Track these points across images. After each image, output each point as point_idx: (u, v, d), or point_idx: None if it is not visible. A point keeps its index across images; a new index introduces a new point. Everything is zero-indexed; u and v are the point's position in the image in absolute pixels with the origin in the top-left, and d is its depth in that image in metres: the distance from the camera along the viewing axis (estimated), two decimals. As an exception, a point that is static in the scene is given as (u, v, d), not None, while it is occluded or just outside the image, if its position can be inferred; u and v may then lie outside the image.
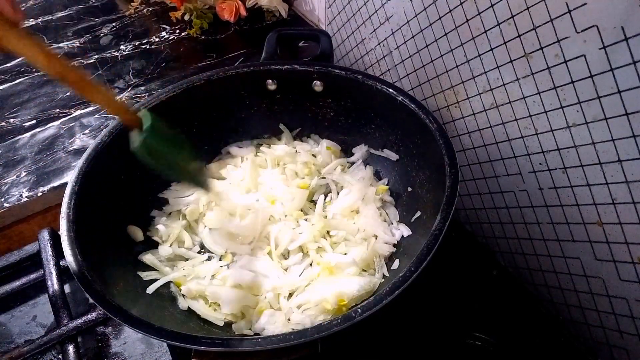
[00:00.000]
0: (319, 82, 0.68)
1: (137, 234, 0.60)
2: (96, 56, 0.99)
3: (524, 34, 0.49)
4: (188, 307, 0.55)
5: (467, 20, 0.56)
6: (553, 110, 0.50)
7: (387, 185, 0.68)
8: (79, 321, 0.55)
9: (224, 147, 0.74)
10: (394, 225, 0.63)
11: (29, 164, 0.75)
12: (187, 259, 0.61)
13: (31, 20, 1.11)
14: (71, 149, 0.78)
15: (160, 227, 0.62)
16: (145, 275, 0.56)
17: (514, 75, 0.53)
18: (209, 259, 0.61)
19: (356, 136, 0.72)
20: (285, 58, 0.74)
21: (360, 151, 0.71)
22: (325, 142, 0.71)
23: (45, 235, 0.62)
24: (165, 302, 0.55)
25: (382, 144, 0.69)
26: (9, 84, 0.92)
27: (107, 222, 0.57)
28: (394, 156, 0.68)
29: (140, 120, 0.47)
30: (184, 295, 0.56)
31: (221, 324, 0.54)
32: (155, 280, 0.56)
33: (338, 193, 0.67)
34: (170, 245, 0.61)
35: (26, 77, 0.94)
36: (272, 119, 0.74)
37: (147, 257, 0.58)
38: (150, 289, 0.55)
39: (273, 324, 0.52)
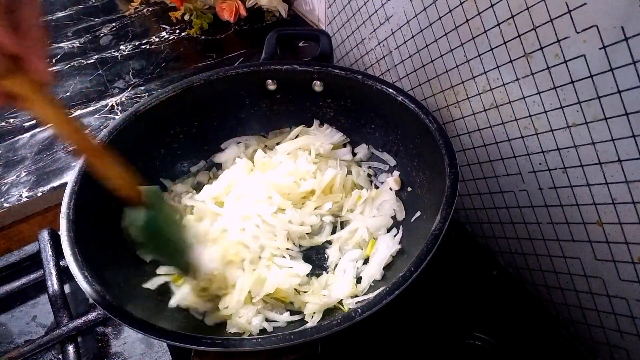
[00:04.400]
0: (319, 82, 0.68)
1: None
2: (96, 56, 0.99)
3: (524, 34, 0.49)
4: (186, 306, 0.55)
5: (467, 20, 0.56)
6: (553, 110, 0.50)
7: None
8: (79, 321, 0.55)
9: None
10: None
11: (29, 164, 0.75)
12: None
13: (31, 20, 1.11)
14: (71, 149, 0.78)
15: None
16: (152, 284, 0.56)
17: (514, 75, 0.53)
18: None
19: (356, 136, 0.72)
20: (285, 58, 0.74)
21: (362, 150, 0.71)
22: (325, 139, 0.70)
23: (45, 235, 0.62)
24: (165, 302, 0.55)
25: (382, 144, 0.69)
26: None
27: (107, 222, 0.56)
28: (392, 161, 0.68)
29: (143, 199, 0.45)
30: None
31: (204, 309, 0.54)
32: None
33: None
34: None
35: (26, 77, 0.94)
36: (272, 119, 0.74)
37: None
38: (153, 285, 0.55)
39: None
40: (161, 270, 0.58)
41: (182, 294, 0.55)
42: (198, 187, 0.68)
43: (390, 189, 0.66)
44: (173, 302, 0.54)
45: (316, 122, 0.72)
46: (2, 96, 0.33)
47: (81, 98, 0.88)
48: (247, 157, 0.70)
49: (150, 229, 0.45)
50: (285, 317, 0.53)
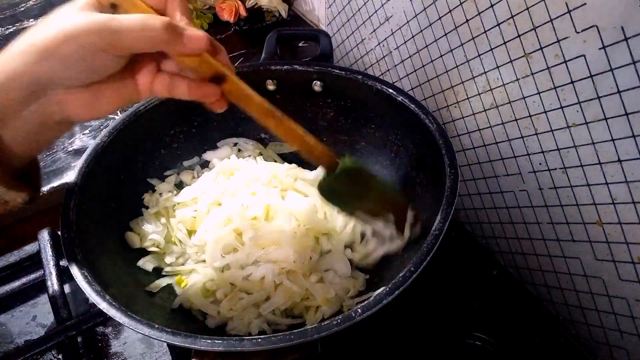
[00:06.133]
0: (319, 82, 0.68)
1: (135, 240, 0.59)
2: (96, 56, 0.98)
3: (524, 34, 0.49)
4: (189, 307, 0.55)
5: (467, 20, 0.56)
6: (553, 110, 0.50)
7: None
8: (79, 321, 0.55)
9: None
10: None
11: (29, 164, 0.75)
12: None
13: (31, 20, 1.11)
14: (71, 149, 0.78)
15: (155, 236, 0.60)
16: (154, 287, 0.56)
17: (514, 75, 0.53)
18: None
19: (356, 136, 0.71)
20: (285, 58, 0.74)
21: None
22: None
23: (45, 235, 0.62)
24: (165, 302, 0.55)
25: (382, 144, 0.69)
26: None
27: (107, 222, 0.57)
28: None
29: (337, 164, 0.47)
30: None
31: (215, 314, 0.53)
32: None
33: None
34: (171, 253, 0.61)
35: (26, 77, 0.94)
36: (272, 119, 0.74)
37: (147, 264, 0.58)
38: (156, 287, 0.55)
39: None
40: (167, 270, 0.58)
41: (187, 295, 0.55)
42: (182, 186, 0.68)
43: None
44: (176, 303, 0.54)
45: None
46: (207, 86, 0.41)
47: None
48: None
49: (332, 191, 0.50)
50: (287, 320, 0.53)
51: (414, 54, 0.69)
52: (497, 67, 0.55)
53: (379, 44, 0.77)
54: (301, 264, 0.55)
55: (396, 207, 0.53)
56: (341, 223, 0.61)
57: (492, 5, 0.52)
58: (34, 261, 0.63)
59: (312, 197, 0.62)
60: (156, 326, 0.41)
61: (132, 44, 0.35)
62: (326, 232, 0.61)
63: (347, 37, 0.86)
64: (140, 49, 0.36)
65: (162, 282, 0.56)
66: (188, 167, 0.70)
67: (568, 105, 0.48)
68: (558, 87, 0.48)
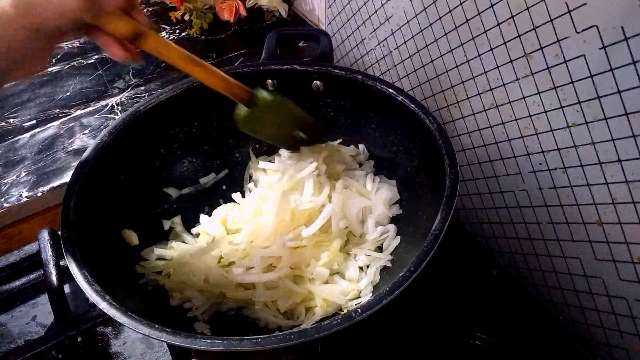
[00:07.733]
0: (319, 82, 0.68)
1: (132, 238, 0.59)
2: (96, 56, 0.99)
3: (524, 34, 0.49)
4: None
5: (467, 20, 0.56)
6: (553, 110, 0.50)
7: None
8: (79, 321, 0.55)
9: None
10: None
11: (29, 164, 0.75)
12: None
13: (31, 20, 1.11)
14: (71, 149, 0.78)
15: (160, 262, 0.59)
16: (144, 280, 0.56)
17: (514, 75, 0.53)
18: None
19: (356, 136, 0.71)
20: (285, 58, 0.74)
21: (369, 165, 0.69)
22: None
23: (45, 235, 0.62)
24: (165, 301, 0.55)
25: (382, 144, 0.69)
26: (9, 84, 0.92)
27: (107, 222, 0.57)
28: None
29: (254, 99, 0.54)
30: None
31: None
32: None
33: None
34: None
35: (26, 77, 0.94)
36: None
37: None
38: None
39: None
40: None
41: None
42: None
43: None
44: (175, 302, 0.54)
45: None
46: (119, 44, 0.44)
47: (81, 98, 0.88)
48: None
49: (250, 123, 0.56)
50: (284, 322, 0.53)
51: (414, 53, 0.69)
52: (497, 67, 0.55)
53: (379, 44, 0.77)
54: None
55: (311, 128, 0.63)
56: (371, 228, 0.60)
57: (492, 5, 0.52)
58: (34, 261, 0.63)
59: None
60: (156, 326, 0.41)
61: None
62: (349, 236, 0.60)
63: (347, 37, 0.86)
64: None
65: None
66: (205, 184, 0.70)
67: (568, 105, 0.48)
68: (558, 87, 0.48)
